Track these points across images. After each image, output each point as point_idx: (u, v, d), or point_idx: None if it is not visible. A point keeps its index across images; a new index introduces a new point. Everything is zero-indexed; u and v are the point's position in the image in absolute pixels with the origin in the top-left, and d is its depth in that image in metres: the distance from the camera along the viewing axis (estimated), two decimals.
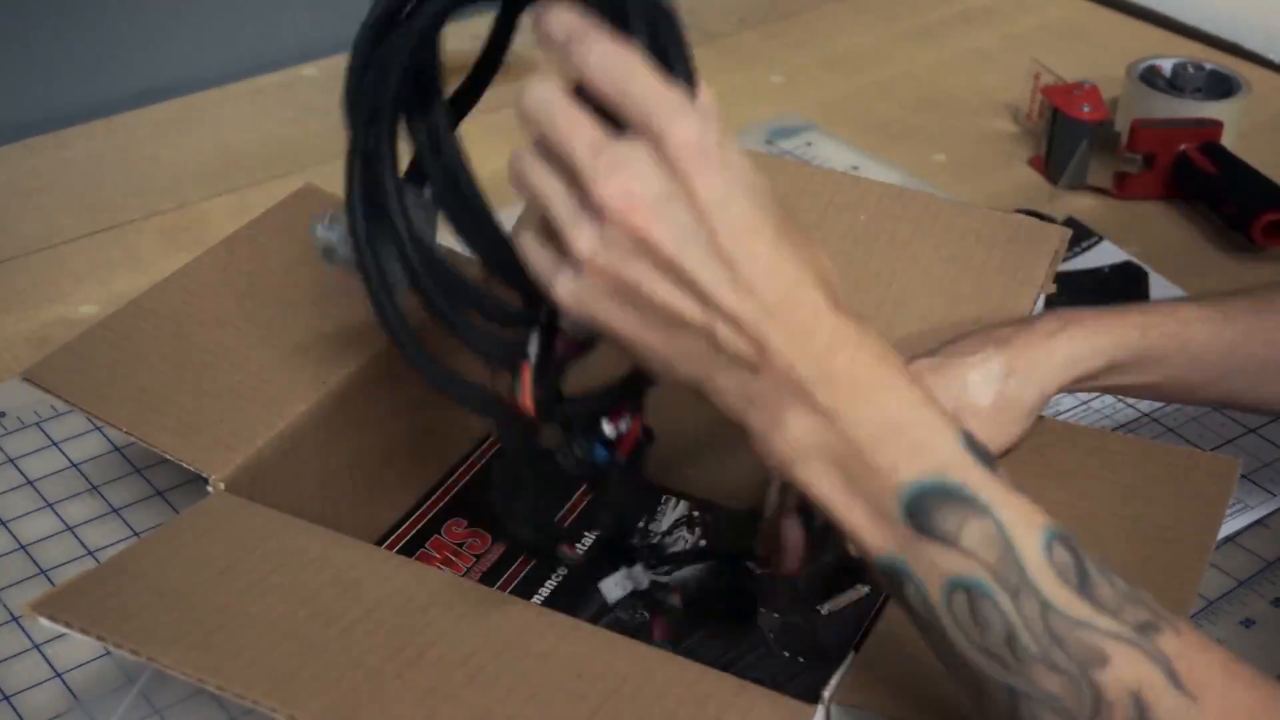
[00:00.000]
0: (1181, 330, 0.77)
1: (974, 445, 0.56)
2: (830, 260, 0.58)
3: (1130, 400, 0.99)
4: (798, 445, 0.57)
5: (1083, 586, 0.55)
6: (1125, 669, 0.54)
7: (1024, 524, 0.55)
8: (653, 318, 0.57)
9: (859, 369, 0.56)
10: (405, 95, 0.65)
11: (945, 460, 0.56)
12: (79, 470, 0.93)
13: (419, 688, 0.61)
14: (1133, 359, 0.77)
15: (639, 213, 0.55)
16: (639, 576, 0.81)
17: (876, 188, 0.93)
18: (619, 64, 0.56)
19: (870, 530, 0.56)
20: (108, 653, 0.79)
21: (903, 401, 0.56)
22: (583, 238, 0.56)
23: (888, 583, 0.57)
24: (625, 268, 0.56)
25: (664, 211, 0.55)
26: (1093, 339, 0.76)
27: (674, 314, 0.56)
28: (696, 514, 0.89)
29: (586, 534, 0.87)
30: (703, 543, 0.87)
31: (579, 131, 0.56)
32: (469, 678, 0.62)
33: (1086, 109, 1.22)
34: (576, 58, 0.56)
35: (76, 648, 0.81)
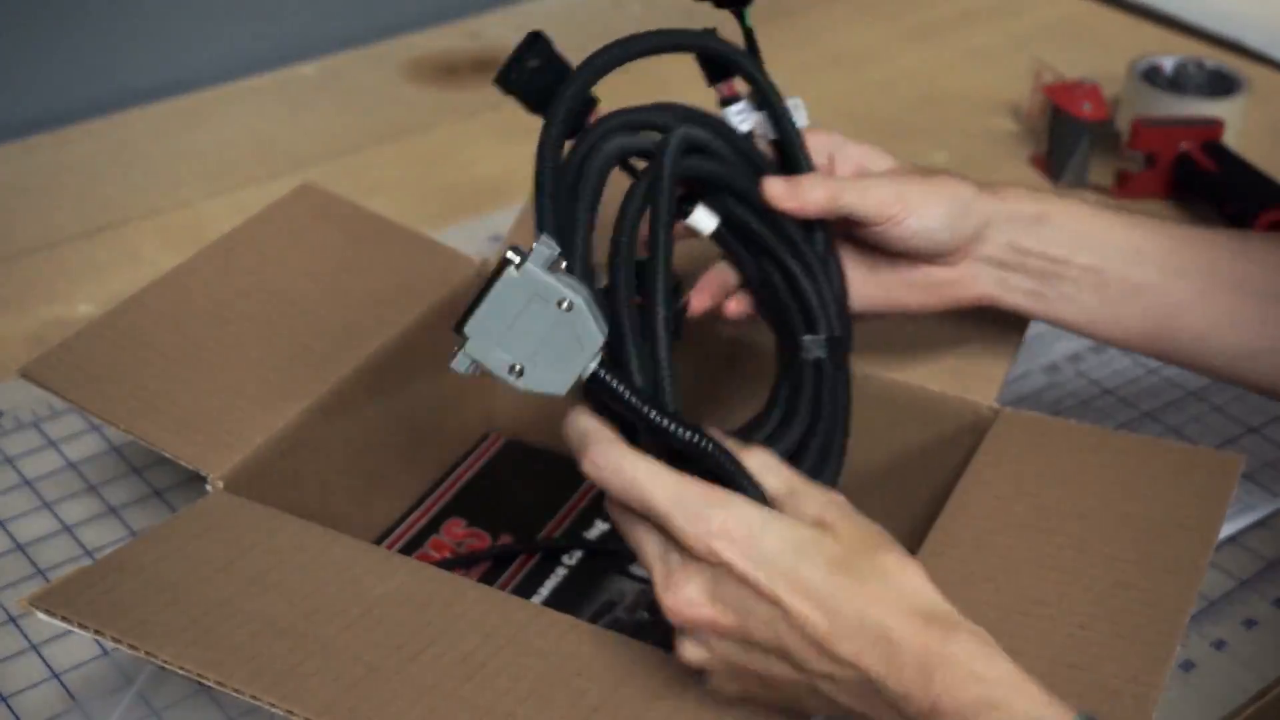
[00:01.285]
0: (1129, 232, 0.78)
1: None
2: (919, 573, 0.60)
3: (1130, 400, 0.99)
4: None
5: None
6: None
7: None
8: (754, 680, 0.61)
9: (960, 690, 0.57)
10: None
11: None
12: (77, 470, 0.93)
13: (418, 685, 0.61)
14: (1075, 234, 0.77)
15: (704, 615, 0.60)
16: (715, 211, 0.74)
17: None
18: (628, 486, 0.61)
19: None
20: (106, 653, 0.79)
21: (1010, 718, 0.57)
22: (671, 613, 0.61)
23: None
24: (716, 646, 0.61)
25: (727, 607, 0.60)
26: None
27: (772, 678, 0.61)
28: None
29: (586, 534, 0.87)
30: None
31: (644, 546, 0.62)
32: (468, 675, 0.62)
33: (1087, 107, 1.21)
34: (591, 473, 0.62)
35: (74, 648, 0.81)
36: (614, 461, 0.62)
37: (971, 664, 0.57)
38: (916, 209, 0.75)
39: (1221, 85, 1.27)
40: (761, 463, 0.64)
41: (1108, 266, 0.77)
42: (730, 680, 0.62)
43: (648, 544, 0.62)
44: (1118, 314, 0.78)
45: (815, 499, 0.63)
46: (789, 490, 0.63)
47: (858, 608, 0.59)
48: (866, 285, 0.77)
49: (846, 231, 0.77)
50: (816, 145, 0.77)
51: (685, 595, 0.60)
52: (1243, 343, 0.78)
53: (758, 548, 0.59)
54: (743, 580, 0.59)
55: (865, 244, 0.77)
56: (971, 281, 0.78)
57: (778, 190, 0.73)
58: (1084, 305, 0.78)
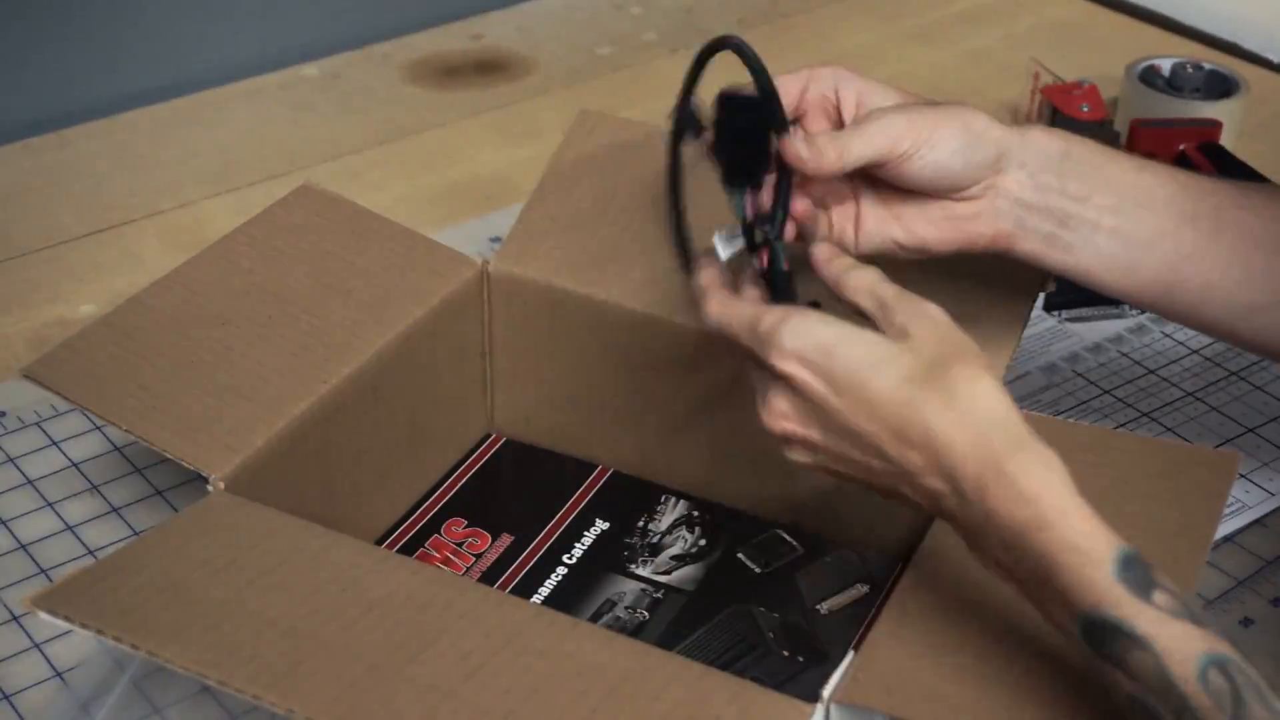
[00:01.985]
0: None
1: (1130, 571, 0.59)
2: (995, 382, 0.64)
3: (1128, 400, 1.00)
4: (990, 563, 0.64)
5: (1237, 713, 0.57)
6: None
7: (1180, 654, 0.58)
8: (856, 471, 0.67)
9: (1013, 508, 0.61)
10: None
11: (1101, 596, 0.59)
12: (79, 470, 0.93)
13: (419, 684, 0.62)
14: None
15: (791, 429, 0.67)
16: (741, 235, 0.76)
17: None
18: (723, 323, 0.69)
19: (1062, 638, 0.62)
20: (108, 652, 0.80)
21: (1055, 540, 0.60)
22: (768, 428, 0.68)
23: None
24: (812, 451, 0.67)
25: (810, 420, 0.66)
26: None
27: (870, 472, 0.66)
28: (696, 514, 0.89)
29: (586, 534, 0.87)
30: (702, 542, 0.87)
31: (750, 377, 0.69)
32: (469, 674, 0.62)
33: (1085, 109, 1.22)
34: (705, 320, 0.71)
35: (76, 647, 0.81)
36: (715, 306, 0.69)
37: (1026, 483, 0.61)
38: (926, 141, 0.73)
39: (1219, 87, 1.27)
40: (859, 280, 0.68)
41: (1124, 207, 0.76)
42: (838, 479, 0.68)
43: (752, 375, 0.68)
44: (1134, 260, 0.77)
45: (904, 311, 0.66)
46: (879, 304, 0.67)
47: (922, 420, 0.62)
48: (886, 223, 0.76)
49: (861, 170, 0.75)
50: (820, 83, 0.76)
51: (775, 411, 0.67)
52: (1245, 296, 0.78)
53: (828, 365, 0.64)
54: (815, 397, 0.65)
55: (882, 182, 0.76)
56: (992, 216, 0.76)
57: (800, 151, 0.72)
58: (1100, 250, 0.77)
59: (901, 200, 0.76)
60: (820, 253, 0.71)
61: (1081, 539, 0.60)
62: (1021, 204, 0.76)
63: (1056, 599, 0.60)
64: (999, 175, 0.75)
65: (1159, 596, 0.59)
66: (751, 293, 0.71)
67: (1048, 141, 0.76)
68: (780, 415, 0.66)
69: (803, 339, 0.65)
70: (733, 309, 0.69)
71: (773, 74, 0.73)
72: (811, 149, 0.71)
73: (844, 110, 0.76)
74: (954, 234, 0.76)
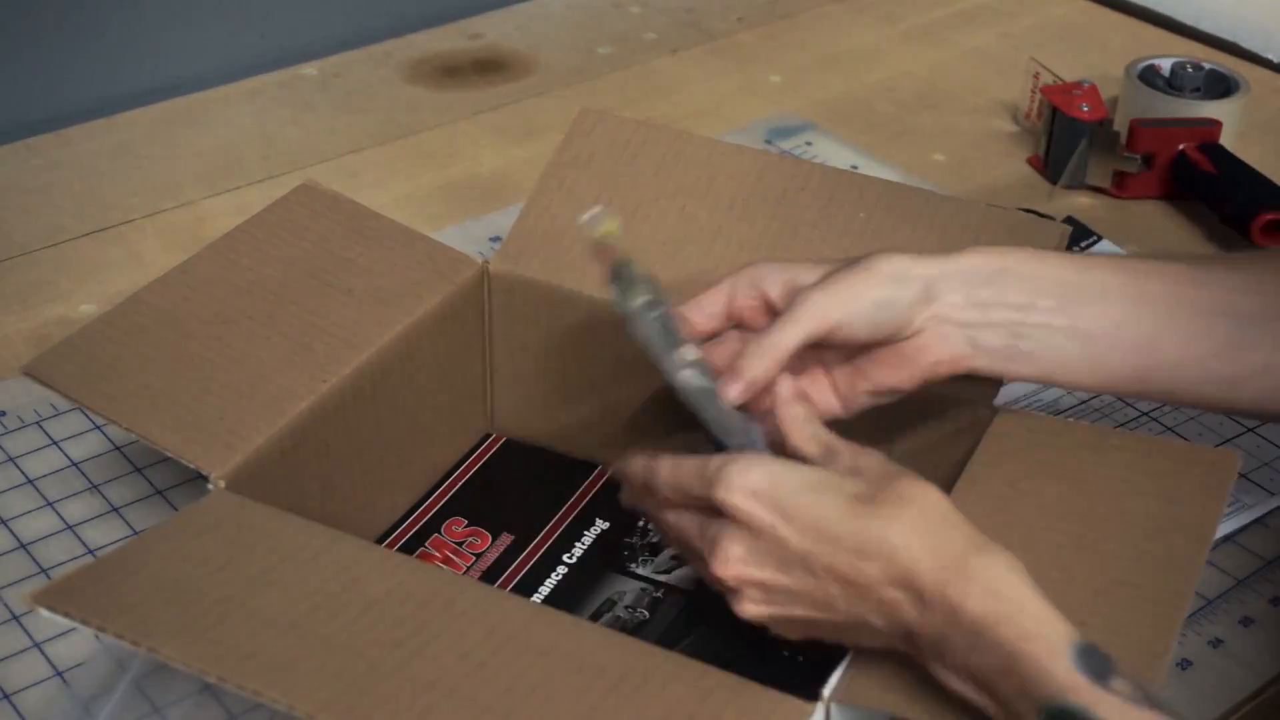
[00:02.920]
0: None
1: (1088, 660, 0.60)
2: (942, 493, 0.66)
3: (1129, 400, 0.99)
4: (953, 676, 0.63)
5: None
6: None
7: None
8: (813, 625, 0.68)
9: (975, 603, 0.62)
10: None
11: (1061, 684, 0.60)
12: (79, 469, 0.93)
13: (419, 681, 0.62)
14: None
15: (748, 574, 0.67)
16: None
17: (877, 184, 0.93)
18: (661, 482, 0.71)
19: None
20: (109, 651, 0.80)
21: (1016, 632, 0.61)
22: (721, 580, 0.68)
23: None
24: (769, 599, 0.67)
25: (765, 562, 0.66)
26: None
27: (828, 621, 0.67)
28: None
29: (586, 533, 0.88)
30: None
31: (688, 533, 0.70)
32: (469, 673, 0.62)
33: (1085, 108, 1.22)
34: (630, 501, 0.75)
35: (77, 646, 0.81)
36: (666, 469, 0.70)
37: (987, 578, 0.62)
38: (851, 308, 0.74)
39: (1219, 86, 1.27)
40: (803, 432, 0.71)
41: (1071, 307, 0.76)
42: (791, 628, 0.68)
43: (691, 528, 0.69)
44: (1097, 354, 0.77)
45: (849, 452, 0.69)
46: (825, 450, 0.70)
47: (876, 531, 0.64)
48: (855, 380, 0.77)
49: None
50: (744, 284, 0.77)
51: (727, 558, 0.67)
52: (1225, 370, 0.77)
53: (776, 495, 0.66)
54: (766, 528, 0.66)
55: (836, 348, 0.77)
56: (941, 344, 0.76)
57: (735, 393, 0.73)
58: (1062, 351, 0.76)
59: (857, 356, 0.77)
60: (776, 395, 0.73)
61: (1041, 629, 0.61)
62: (966, 325, 0.76)
63: (1018, 691, 0.61)
64: (933, 305, 0.76)
65: (1117, 683, 0.59)
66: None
67: (982, 260, 0.76)
68: (734, 560, 0.67)
69: (748, 473, 0.67)
70: (682, 465, 0.70)
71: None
72: (742, 379, 0.73)
73: (776, 301, 0.77)
74: (912, 371, 0.77)
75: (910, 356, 0.76)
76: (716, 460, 0.68)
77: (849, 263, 0.76)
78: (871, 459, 0.68)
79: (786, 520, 0.65)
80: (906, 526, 0.64)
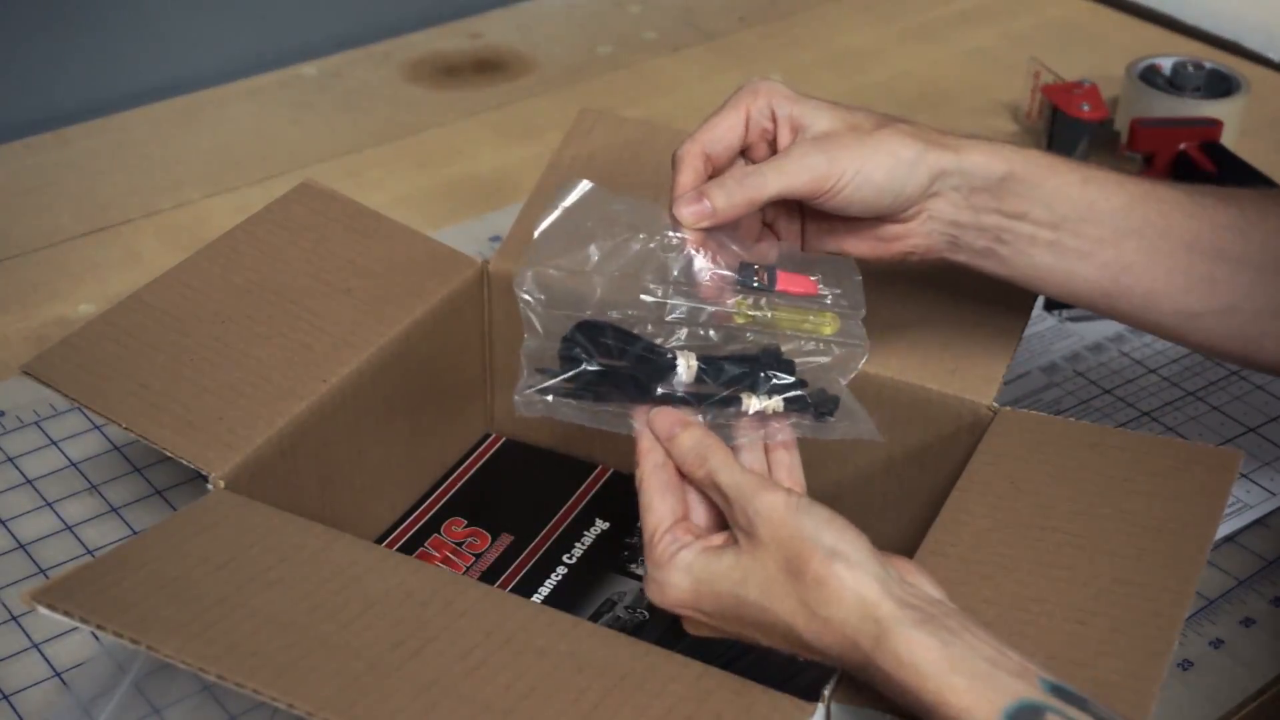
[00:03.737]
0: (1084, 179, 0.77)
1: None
2: (854, 565, 0.63)
3: (1129, 400, 0.99)
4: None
5: None
6: None
7: None
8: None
9: (896, 671, 0.61)
10: None
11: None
12: (78, 469, 0.93)
13: (419, 681, 0.62)
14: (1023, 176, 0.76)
15: (691, 606, 0.67)
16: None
17: None
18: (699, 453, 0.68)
19: None
20: (107, 652, 0.79)
21: (942, 688, 0.60)
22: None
23: None
24: (706, 623, 0.67)
25: (709, 597, 0.66)
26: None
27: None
28: None
29: (586, 533, 0.87)
30: None
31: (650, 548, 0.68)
32: (469, 672, 0.62)
33: (1086, 108, 1.22)
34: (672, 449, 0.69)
35: (76, 647, 0.81)
36: (686, 424, 0.69)
37: (909, 657, 0.60)
38: (850, 180, 0.72)
39: (1220, 86, 1.27)
40: (703, 474, 0.68)
41: (1063, 224, 0.76)
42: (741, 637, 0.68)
43: (663, 522, 0.68)
44: (1070, 270, 0.77)
45: (744, 510, 0.65)
46: (723, 499, 0.67)
47: (797, 632, 0.63)
48: (824, 238, 0.76)
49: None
50: (755, 108, 0.75)
51: (667, 590, 0.67)
52: (1190, 304, 0.77)
53: (700, 596, 0.66)
54: (706, 619, 0.66)
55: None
56: (922, 236, 0.76)
57: (689, 212, 0.71)
58: (1035, 262, 0.77)
59: (834, 218, 0.76)
60: (660, 429, 0.70)
61: (964, 714, 0.59)
62: (954, 224, 0.76)
63: None
64: (932, 198, 0.75)
65: None
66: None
67: (987, 161, 0.75)
68: (671, 591, 0.67)
69: (679, 583, 0.66)
70: (718, 453, 0.68)
71: (721, 100, 0.72)
72: (700, 204, 0.71)
73: (779, 136, 0.75)
74: (884, 252, 0.76)
75: (889, 239, 0.76)
76: (751, 484, 0.66)
77: (859, 122, 0.74)
78: (765, 525, 0.65)
79: (722, 616, 0.66)
80: (821, 626, 0.63)
